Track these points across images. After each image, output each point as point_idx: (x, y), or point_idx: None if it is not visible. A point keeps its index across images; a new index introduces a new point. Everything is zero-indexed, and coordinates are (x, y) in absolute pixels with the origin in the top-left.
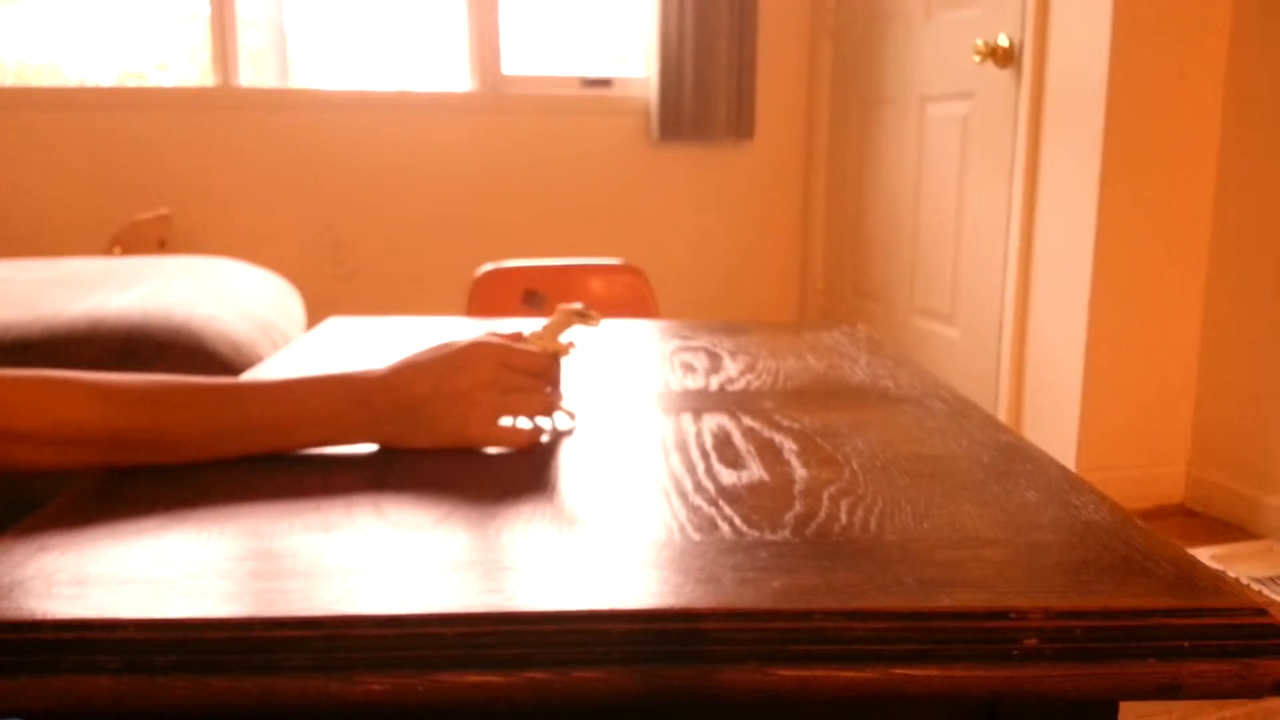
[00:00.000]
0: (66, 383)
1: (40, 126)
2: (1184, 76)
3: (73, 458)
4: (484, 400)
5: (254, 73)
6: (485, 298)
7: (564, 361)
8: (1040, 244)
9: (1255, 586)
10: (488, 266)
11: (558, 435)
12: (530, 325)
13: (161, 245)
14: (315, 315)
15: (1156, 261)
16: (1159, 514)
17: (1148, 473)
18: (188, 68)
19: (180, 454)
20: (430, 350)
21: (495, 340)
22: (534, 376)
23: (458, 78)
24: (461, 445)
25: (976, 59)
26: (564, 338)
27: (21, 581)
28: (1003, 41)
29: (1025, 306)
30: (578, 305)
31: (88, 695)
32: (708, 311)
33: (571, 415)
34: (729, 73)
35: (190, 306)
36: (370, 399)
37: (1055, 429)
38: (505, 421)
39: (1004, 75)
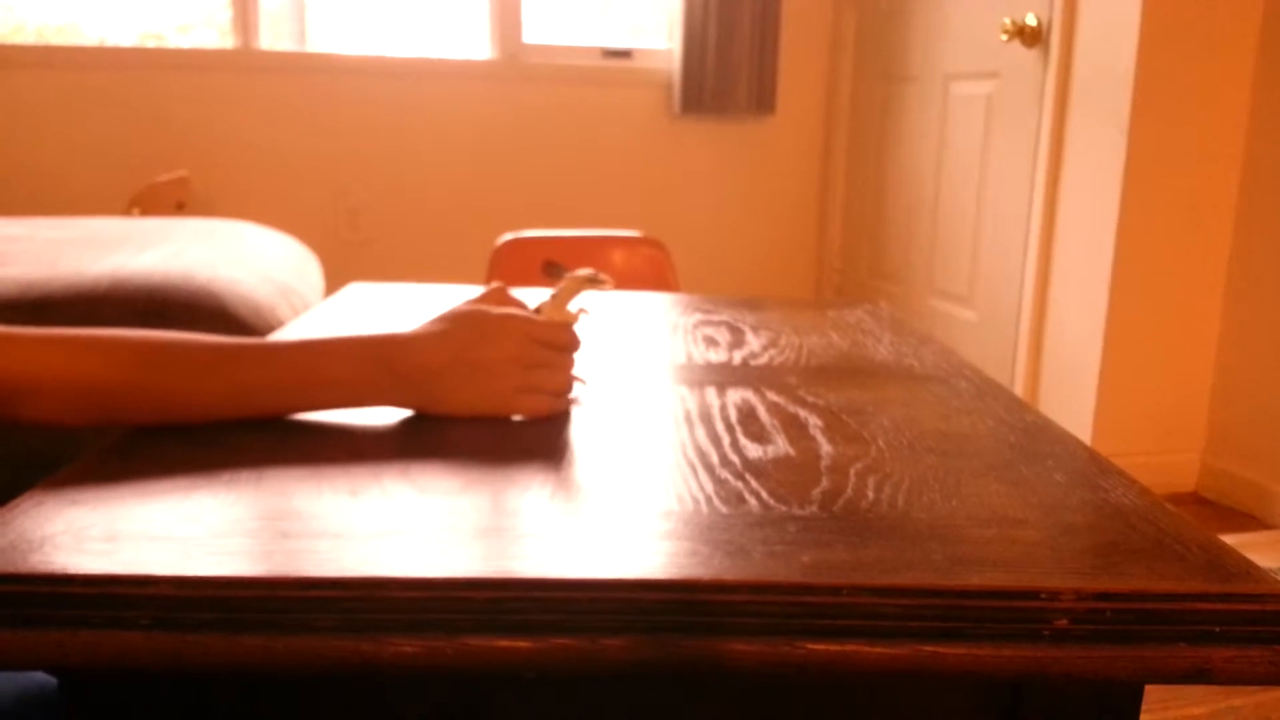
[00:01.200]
0: (79, 340)
1: (60, 85)
2: (1213, 63)
3: (86, 414)
4: (509, 373)
5: (272, 36)
6: (505, 267)
7: (578, 329)
8: (1062, 228)
9: None
10: (507, 236)
11: (576, 404)
12: (542, 296)
13: (180, 207)
14: (330, 281)
15: (1179, 249)
16: (1172, 502)
17: (1162, 460)
18: (206, 30)
19: (202, 413)
20: (456, 317)
21: (521, 314)
22: (559, 352)
23: (478, 45)
24: (483, 415)
25: (1004, 37)
26: (574, 305)
27: (51, 536)
28: (1031, 21)
29: (1044, 291)
30: (588, 271)
31: (118, 650)
32: (723, 286)
33: (583, 382)
34: (751, 46)
35: (212, 269)
36: (393, 362)
37: (1071, 414)
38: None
39: (1031, 55)
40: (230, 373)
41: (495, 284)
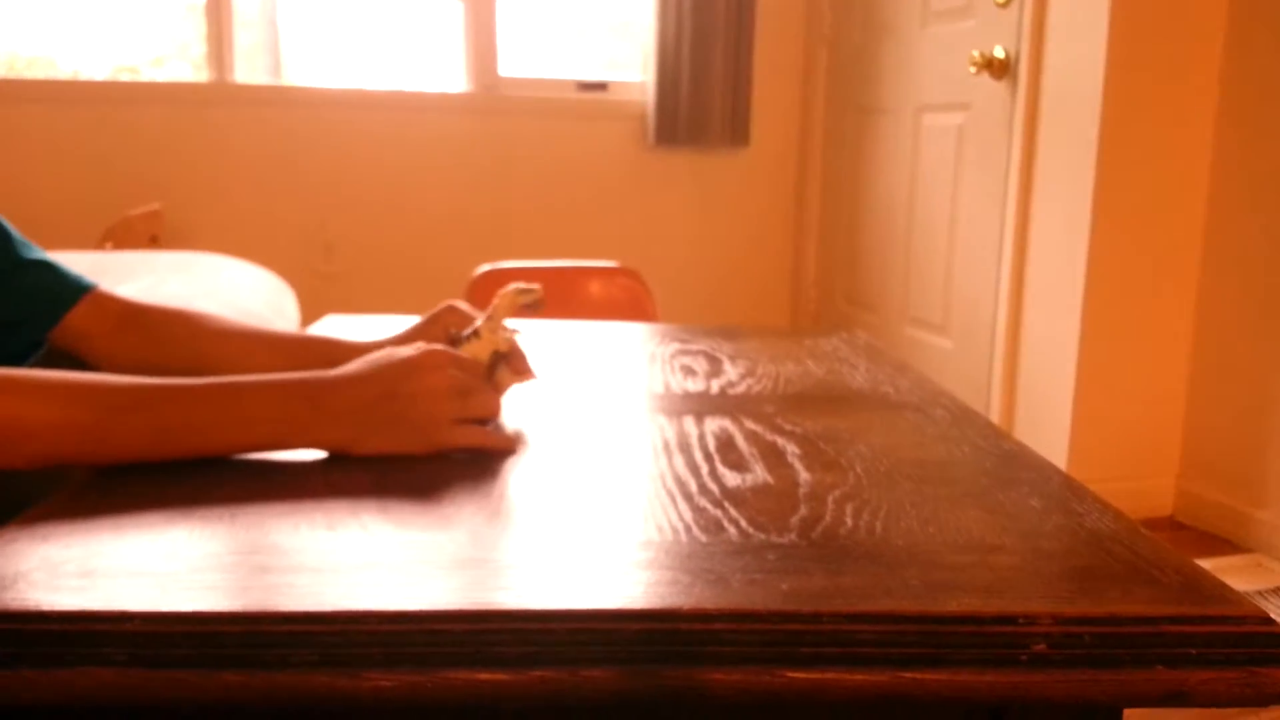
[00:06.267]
0: (9, 380)
1: (32, 119)
2: (1178, 91)
3: (19, 456)
4: (444, 403)
5: (247, 69)
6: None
7: (523, 345)
8: (1033, 256)
9: None
10: (485, 267)
11: (508, 439)
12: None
13: (153, 241)
14: (306, 314)
15: (1149, 275)
16: (1148, 527)
17: (1137, 485)
18: (180, 64)
19: (122, 453)
20: (381, 355)
21: (441, 347)
22: (479, 378)
23: (454, 78)
24: (424, 450)
25: (972, 70)
26: (510, 322)
27: (26, 573)
28: (999, 53)
29: (1018, 318)
30: (516, 285)
31: (94, 687)
32: (700, 316)
33: (532, 376)
34: (725, 79)
35: (185, 303)
36: (321, 400)
37: (1046, 440)
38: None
39: (999, 87)
40: (151, 412)
41: (450, 302)
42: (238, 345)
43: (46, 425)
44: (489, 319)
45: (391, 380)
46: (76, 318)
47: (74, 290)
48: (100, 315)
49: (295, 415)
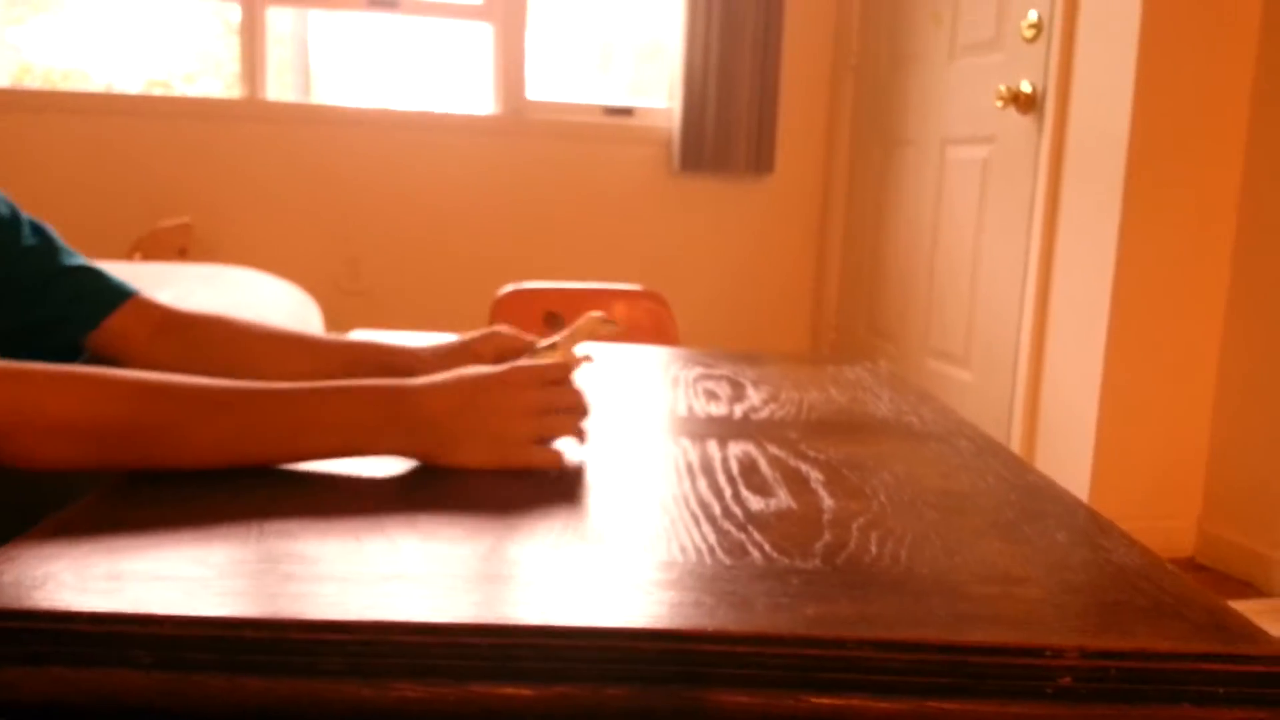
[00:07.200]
0: (74, 376)
1: (65, 130)
2: (1206, 128)
3: (80, 455)
4: (521, 423)
5: (276, 87)
6: (505, 318)
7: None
8: (1057, 291)
9: None
10: (509, 287)
11: (583, 454)
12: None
13: (182, 253)
14: (330, 329)
15: (1173, 314)
16: None
17: (1159, 525)
18: (211, 80)
19: (195, 458)
20: (467, 369)
21: (528, 363)
22: (569, 390)
23: (481, 100)
24: (498, 465)
25: (999, 104)
26: (580, 349)
27: (55, 574)
28: (1025, 88)
29: (1040, 353)
30: (598, 314)
31: (121, 689)
32: (720, 341)
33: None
34: (751, 107)
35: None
36: (398, 410)
37: (1067, 478)
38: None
39: (1026, 121)
40: (229, 415)
41: (496, 326)
42: (277, 350)
43: (119, 424)
44: (569, 336)
45: (472, 394)
46: (117, 322)
47: (115, 295)
48: (140, 320)
49: (372, 423)
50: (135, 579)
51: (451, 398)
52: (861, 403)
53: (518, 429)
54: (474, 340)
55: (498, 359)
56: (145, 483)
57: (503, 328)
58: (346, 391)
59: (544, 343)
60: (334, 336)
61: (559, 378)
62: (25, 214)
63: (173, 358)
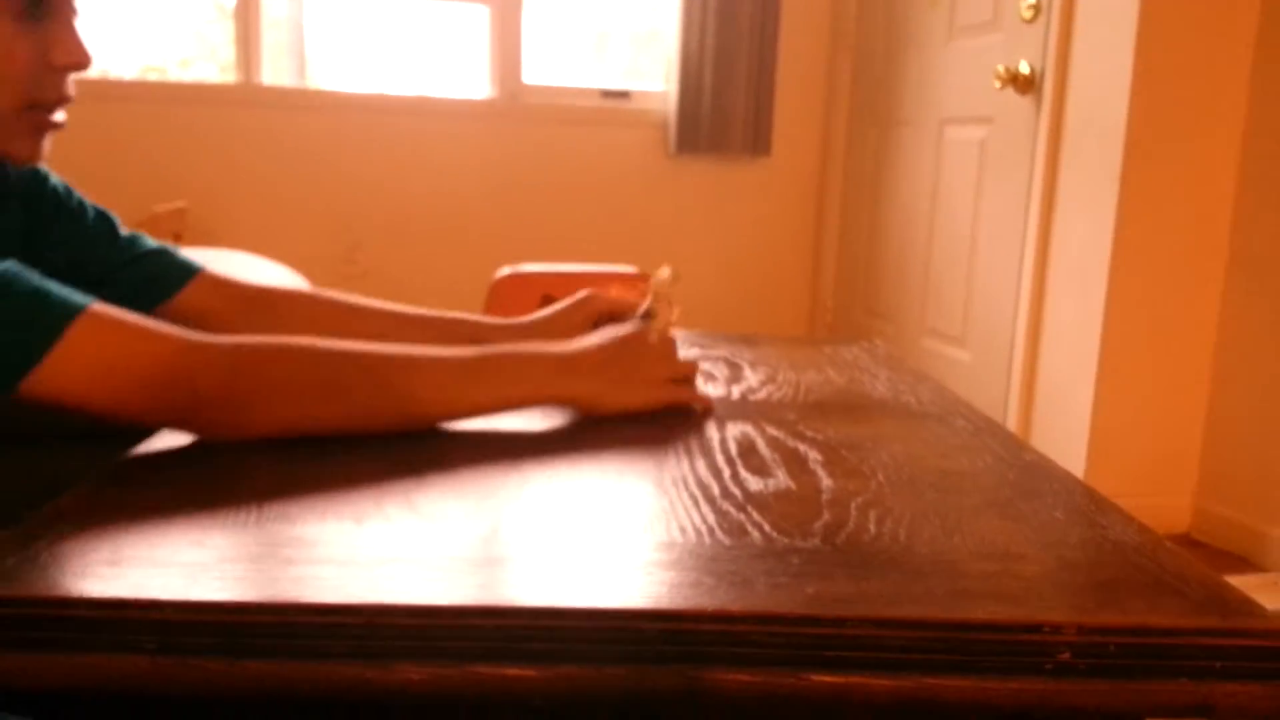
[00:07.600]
0: (302, 348)
1: None
2: (1204, 110)
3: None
4: (660, 364)
5: (271, 71)
6: (503, 301)
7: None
8: (1054, 271)
9: None
10: (506, 270)
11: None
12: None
13: (178, 238)
14: None
15: (1170, 293)
16: None
17: (1154, 502)
18: (207, 65)
19: (423, 413)
20: (605, 330)
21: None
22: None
23: (478, 84)
24: (647, 405)
25: (997, 84)
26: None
27: (56, 559)
28: (1024, 69)
29: (1037, 332)
30: (665, 272)
31: (124, 674)
32: (717, 323)
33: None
34: (747, 89)
35: None
36: (570, 364)
37: (1063, 455)
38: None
39: (1024, 102)
40: (485, 383)
41: (583, 292)
42: (378, 322)
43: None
44: (657, 301)
45: (619, 347)
46: (189, 297)
47: (184, 271)
48: (215, 295)
49: (552, 377)
50: (136, 564)
51: (604, 352)
52: (859, 383)
53: (657, 370)
54: (570, 308)
55: (594, 323)
56: (143, 467)
57: (588, 293)
58: (528, 352)
59: (640, 312)
60: (420, 310)
61: (684, 373)
62: (89, 201)
63: (262, 331)
